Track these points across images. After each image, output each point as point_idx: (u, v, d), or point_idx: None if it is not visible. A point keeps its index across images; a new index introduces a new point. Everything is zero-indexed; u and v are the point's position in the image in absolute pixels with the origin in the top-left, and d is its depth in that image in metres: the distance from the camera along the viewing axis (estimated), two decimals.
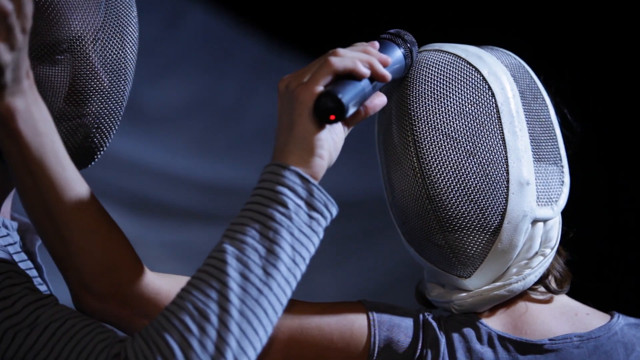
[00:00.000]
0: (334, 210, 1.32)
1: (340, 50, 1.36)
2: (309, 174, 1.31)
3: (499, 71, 1.55)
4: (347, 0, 3.59)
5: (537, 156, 1.54)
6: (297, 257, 1.29)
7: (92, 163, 1.52)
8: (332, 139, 1.34)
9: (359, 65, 1.35)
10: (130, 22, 1.51)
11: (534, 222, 1.53)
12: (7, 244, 1.45)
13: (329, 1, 3.60)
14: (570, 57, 3.13)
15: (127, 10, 1.51)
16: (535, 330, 1.54)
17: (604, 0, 3.15)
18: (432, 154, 1.50)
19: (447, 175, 1.50)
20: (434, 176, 1.50)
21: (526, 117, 1.55)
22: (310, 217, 1.30)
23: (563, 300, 1.58)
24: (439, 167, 1.50)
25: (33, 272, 1.51)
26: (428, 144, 1.50)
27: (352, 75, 1.34)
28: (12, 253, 1.45)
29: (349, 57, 1.35)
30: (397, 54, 1.48)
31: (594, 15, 3.17)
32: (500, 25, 3.21)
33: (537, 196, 1.53)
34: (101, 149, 1.51)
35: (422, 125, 1.51)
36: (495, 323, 1.54)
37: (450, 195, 1.50)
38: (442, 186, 1.50)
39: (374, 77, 1.37)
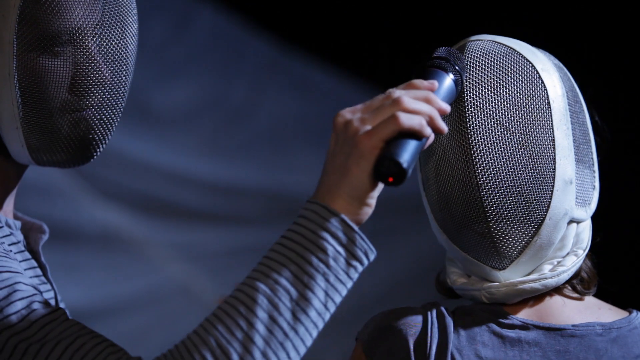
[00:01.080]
0: (372, 257, 1.31)
1: (405, 101, 1.32)
2: (354, 221, 1.30)
3: (550, 68, 1.56)
4: (357, 0, 3.59)
5: (577, 157, 1.56)
6: (329, 302, 1.28)
7: (95, 157, 1.52)
8: (380, 186, 1.33)
9: (425, 127, 1.32)
10: (130, 13, 1.51)
11: (570, 222, 1.55)
12: (10, 243, 1.45)
13: (339, 1, 3.60)
14: (595, 62, 3.11)
15: (127, 1, 1.51)
16: (560, 321, 1.55)
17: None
18: (485, 141, 1.51)
19: (497, 164, 1.50)
20: (485, 163, 1.50)
21: (571, 118, 1.56)
22: (349, 264, 1.29)
23: (586, 297, 1.59)
24: (491, 154, 1.50)
25: (37, 271, 1.50)
26: (482, 130, 1.51)
27: (415, 134, 1.32)
28: (15, 252, 1.44)
29: (417, 117, 1.31)
30: (449, 84, 1.45)
31: (622, 20, 3.15)
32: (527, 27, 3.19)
33: (576, 196, 1.54)
34: (103, 142, 1.51)
35: (476, 112, 1.51)
36: (519, 314, 1.55)
37: (499, 184, 1.50)
38: (491, 174, 1.50)
39: (433, 130, 1.35)
